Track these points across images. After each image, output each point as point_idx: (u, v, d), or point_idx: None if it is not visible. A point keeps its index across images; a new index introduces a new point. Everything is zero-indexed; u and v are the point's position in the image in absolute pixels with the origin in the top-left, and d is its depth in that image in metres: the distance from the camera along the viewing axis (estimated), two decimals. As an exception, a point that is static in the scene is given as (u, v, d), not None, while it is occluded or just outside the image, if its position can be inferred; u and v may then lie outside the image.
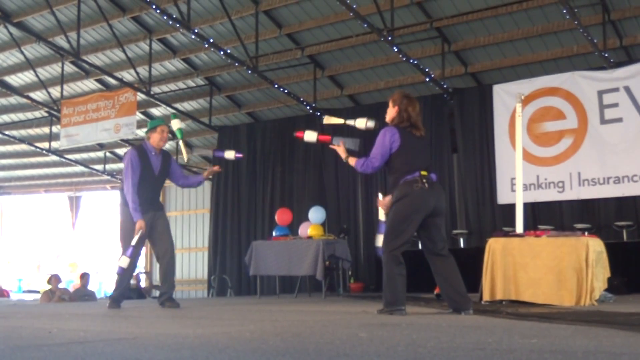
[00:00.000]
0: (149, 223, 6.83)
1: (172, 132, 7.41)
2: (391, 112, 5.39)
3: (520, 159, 7.35)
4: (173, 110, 14.51)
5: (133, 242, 6.65)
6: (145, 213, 6.78)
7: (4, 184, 21.05)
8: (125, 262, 6.66)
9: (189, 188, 7.55)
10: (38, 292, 16.59)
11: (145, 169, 6.82)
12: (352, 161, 5.46)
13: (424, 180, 5.10)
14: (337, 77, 13.12)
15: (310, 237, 9.67)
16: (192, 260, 17.52)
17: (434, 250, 5.22)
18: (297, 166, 13.85)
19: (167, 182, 7.51)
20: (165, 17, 10.83)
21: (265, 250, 9.79)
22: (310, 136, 5.89)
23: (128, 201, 6.72)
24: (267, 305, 7.40)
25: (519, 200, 7.19)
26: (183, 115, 14.73)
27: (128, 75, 13.95)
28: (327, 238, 9.65)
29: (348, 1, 9.79)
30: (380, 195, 5.61)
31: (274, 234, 10.58)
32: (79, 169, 18.63)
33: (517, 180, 7.33)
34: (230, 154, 7.29)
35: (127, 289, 7.26)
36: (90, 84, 15.13)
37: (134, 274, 15.34)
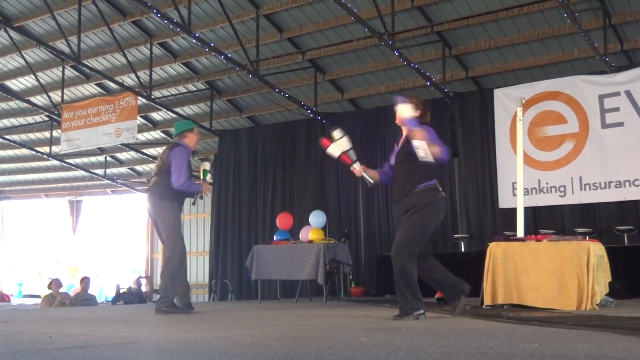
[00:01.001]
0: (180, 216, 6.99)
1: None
2: (412, 112, 5.08)
3: (521, 163, 7.36)
4: (174, 115, 14.54)
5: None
6: (180, 208, 6.95)
7: (4, 189, 21.05)
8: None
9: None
10: (39, 296, 16.58)
11: (188, 169, 6.96)
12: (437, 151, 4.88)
13: (440, 189, 5.07)
14: (338, 81, 13.12)
15: (311, 241, 9.67)
16: (193, 265, 17.50)
17: (421, 252, 5.17)
18: (298, 170, 13.85)
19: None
20: (166, 22, 10.85)
21: (266, 254, 9.78)
22: (334, 150, 5.24)
23: (187, 189, 6.82)
24: (268, 309, 7.39)
25: (520, 204, 7.18)
26: (184, 119, 14.73)
27: (129, 80, 13.95)
28: (328, 242, 9.64)
29: (349, 5, 9.80)
30: (356, 165, 5.25)
31: (275, 238, 10.58)
32: (80, 173, 18.64)
33: (518, 185, 7.33)
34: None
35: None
36: (90, 88, 15.14)
37: (135, 279, 15.42)
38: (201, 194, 6.99)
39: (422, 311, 4.97)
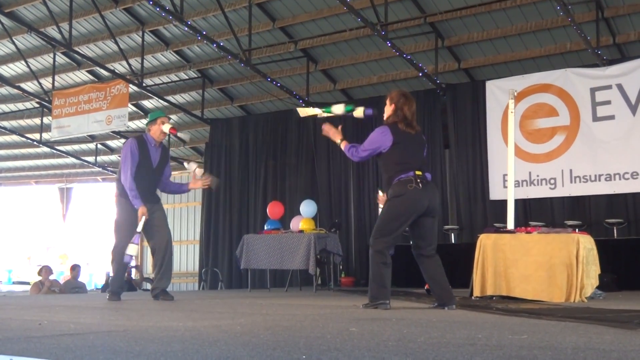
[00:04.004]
0: (131, 214, 6.77)
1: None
2: (388, 110, 5.41)
3: (512, 155, 7.38)
4: (165, 103, 14.48)
5: (138, 229, 6.58)
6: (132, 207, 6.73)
7: (-6, 175, 20.95)
8: (134, 249, 6.59)
9: (168, 194, 7.37)
10: (28, 283, 16.53)
11: (144, 160, 6.75)
12: (343, 144, 5.49)
13: (418, 180, 5.11)
14: (330, 71, 13.10)
15: (301, 231, 9.67)
16: (184, 253, 17.49)
17: (422, 252, 5.24)
18: (290, 160, 13.84)
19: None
20: (158, 9, 10.78)
21: (256, 243, 9.78)
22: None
23: (127, 190, 6.66)
24: (258, 298, 7.39)
25: (511, 196, 7.21)
26: (175, 107, 14.69)
27: (120, 67, 13.88)
28: (318, 232, 9.65)
29: (342, -5, 9.77)
30: (380, 192, 5.66)
31: (265, 227, 10.57)
32: (70, 160, 18.56)
33: (508, 177, 7.36)
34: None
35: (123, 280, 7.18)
36: (82, 75, 15.05)
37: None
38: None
39: (382, 301, 5.03)
